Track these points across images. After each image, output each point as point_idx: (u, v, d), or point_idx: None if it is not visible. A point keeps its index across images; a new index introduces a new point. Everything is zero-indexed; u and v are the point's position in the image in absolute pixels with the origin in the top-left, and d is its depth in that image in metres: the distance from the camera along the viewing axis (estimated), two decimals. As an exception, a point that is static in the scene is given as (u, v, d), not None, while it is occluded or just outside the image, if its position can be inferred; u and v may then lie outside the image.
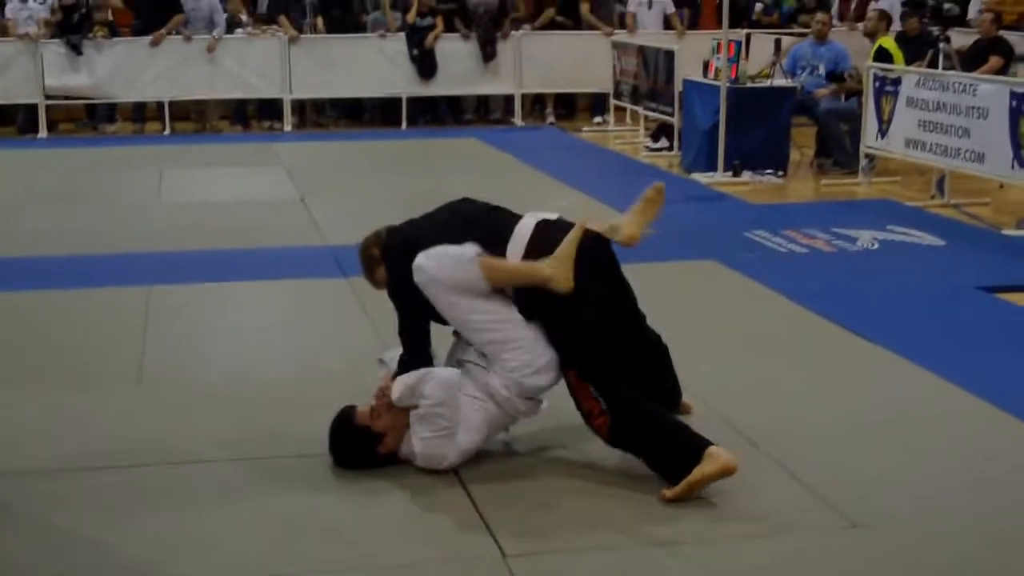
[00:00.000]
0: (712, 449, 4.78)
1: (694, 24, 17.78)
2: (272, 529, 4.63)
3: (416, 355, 5.16)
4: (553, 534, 4.55)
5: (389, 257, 5.26)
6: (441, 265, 4.94)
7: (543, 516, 4.71)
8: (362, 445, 5.06)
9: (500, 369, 4.99)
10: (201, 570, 4.34)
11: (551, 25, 17.15)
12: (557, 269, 4.90)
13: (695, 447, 4.80)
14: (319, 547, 4.48)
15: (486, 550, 4.44)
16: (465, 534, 4.58)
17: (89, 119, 16.87)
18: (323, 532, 4.59)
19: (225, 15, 16.45)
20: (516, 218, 5.21)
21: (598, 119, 17.12)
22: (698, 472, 4.73)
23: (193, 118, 16.91)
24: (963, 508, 4.79)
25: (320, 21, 16.82)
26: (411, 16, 16.47)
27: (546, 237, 5.02)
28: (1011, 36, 14.47)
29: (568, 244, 4.93)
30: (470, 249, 4.98)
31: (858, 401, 5.99)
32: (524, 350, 4.98)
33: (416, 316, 5.19)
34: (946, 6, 15.38)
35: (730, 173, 12.38)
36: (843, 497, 4.82)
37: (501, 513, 4.71)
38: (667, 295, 7.12)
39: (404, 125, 16.72)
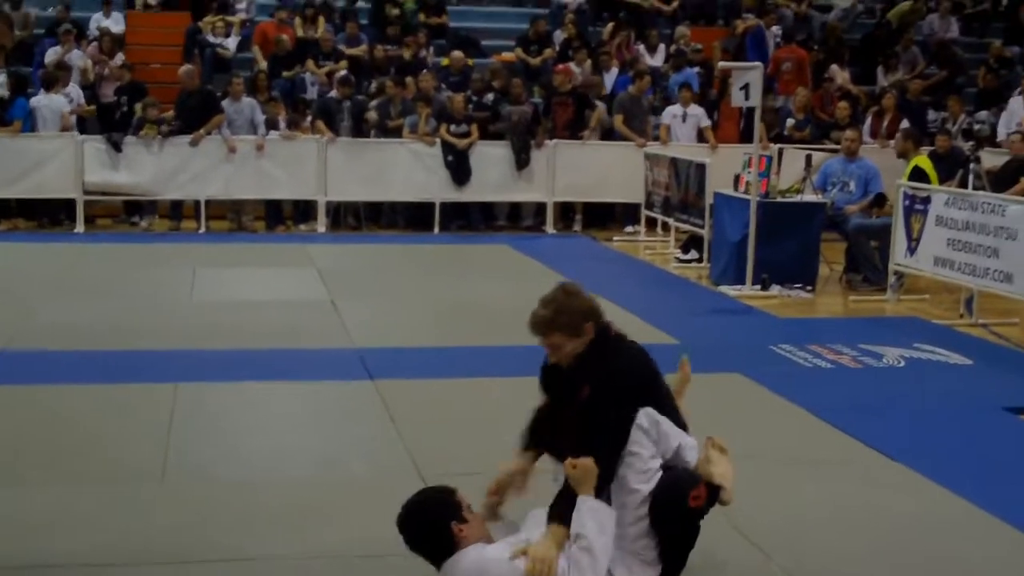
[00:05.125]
0: None
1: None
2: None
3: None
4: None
5: (617, 385, 4.80)
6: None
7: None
8: (442, 511, 4.62)
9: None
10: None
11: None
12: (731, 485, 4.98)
13: None
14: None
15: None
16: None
17: (127, 215, 17.08)
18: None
19: (264, 116, 16.68)
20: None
21: (629, 228, 17.22)
22: None
23: (229, 217, 17.09)
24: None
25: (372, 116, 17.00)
26: (443, 132, 16.67)
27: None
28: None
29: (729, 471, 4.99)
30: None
31: (876, 519, 5.97)
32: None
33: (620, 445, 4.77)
34: (976, 126, 15.48)
35: (758, 287, 12.41)
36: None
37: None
38: (690, 406, 7.12)
39: (436, 230, 16.87)
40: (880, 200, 13.20)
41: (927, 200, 11.72)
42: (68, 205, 16.45)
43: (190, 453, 6.87)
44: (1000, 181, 13.19)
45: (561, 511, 4.61)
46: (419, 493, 4.79)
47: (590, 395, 4.76)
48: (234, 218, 17.00)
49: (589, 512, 4.54)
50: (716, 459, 5.01)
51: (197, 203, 16.58)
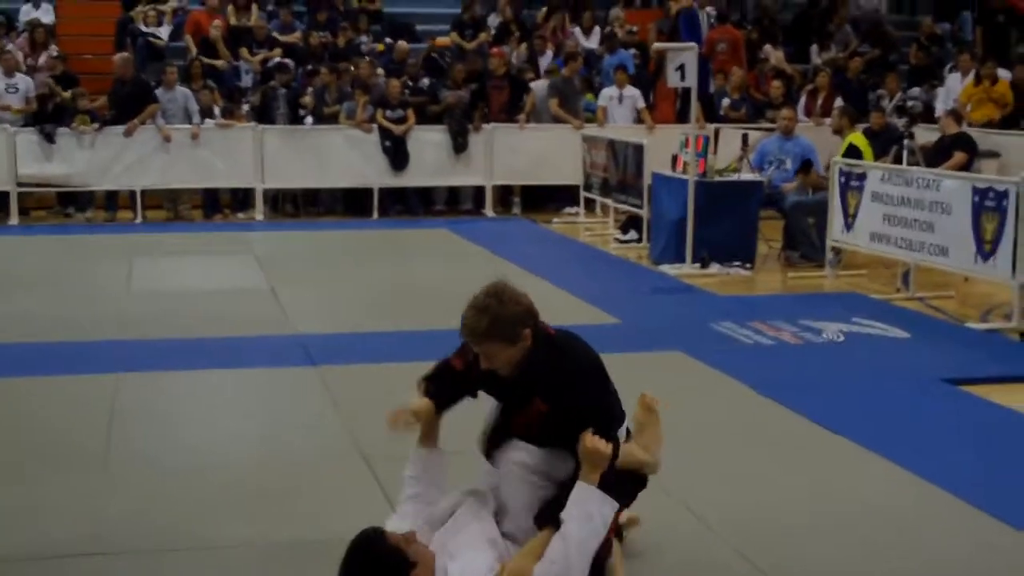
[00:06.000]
0: None
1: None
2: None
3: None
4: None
5: (580, 373, 4.50)
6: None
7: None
8: (392, 569, 4.19)
9: None
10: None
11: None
12: (656, 458, 4.95)
13: None
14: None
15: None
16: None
17: (61, 206, 16.91)
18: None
19: (198, 105, 16.56)
20: None
21: (568, 210, 17.24)
22: None
23: (165, 207, 16.95)
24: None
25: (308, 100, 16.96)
26: (379, 117, 16.62)
27: None
28: (974, 132, 14.70)
29: (659, 437, 5.01)
30: None
31: (820, 492, 6.02)
32: None
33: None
34: (909, 103, 15.63)
35: (698, 265, 12.48)
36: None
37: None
38: (632, 386, 7.17)
39: (375, 215, 16.82)
40: (806, 166, 13.26)
41: (863, 176, 11.81)
42: (1, 198, 16.27)
43: (133, 443, 6.81)
44: (935, 156, 13.33)
45: (555, 513, 4.29)
46: (356, 552, 4.23)
47: (555, 411, 4.40)
48: (171, 207, 16.88)
49: (596, 502, 4.28)
50: (643, 425, 5.01)
51: (133, 193, 16.43)
